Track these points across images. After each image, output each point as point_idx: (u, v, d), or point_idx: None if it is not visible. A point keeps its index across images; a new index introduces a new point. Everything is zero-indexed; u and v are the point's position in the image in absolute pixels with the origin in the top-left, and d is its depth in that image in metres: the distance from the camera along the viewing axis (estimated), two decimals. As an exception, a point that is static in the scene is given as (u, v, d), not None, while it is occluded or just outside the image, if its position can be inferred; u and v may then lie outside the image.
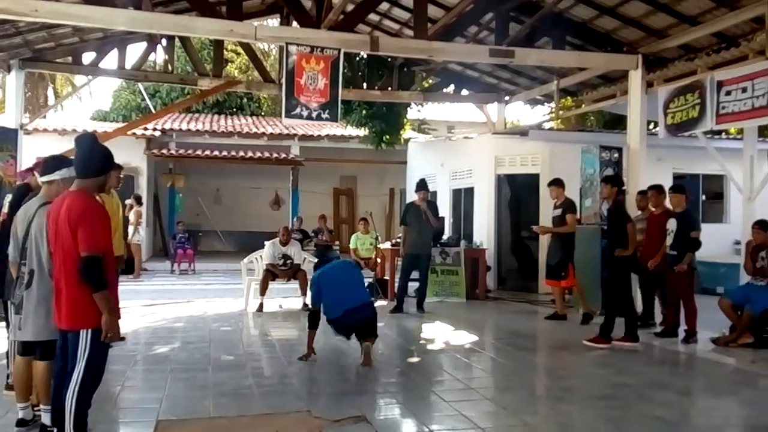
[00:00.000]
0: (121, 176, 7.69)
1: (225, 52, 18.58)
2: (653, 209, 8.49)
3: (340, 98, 8.88)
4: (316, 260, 7.41)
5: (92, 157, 3.83)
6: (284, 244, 9.99)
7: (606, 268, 7.89)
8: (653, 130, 11.27)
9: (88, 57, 12.23)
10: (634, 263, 7.70)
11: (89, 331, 3.68)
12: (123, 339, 7.23)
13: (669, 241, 7.76)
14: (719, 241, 12.33)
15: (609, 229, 7.76)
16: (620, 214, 7.68)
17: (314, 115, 8.64)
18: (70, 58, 12.23)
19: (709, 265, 11.25)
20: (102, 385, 4.10)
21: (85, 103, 33.39)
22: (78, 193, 3.76)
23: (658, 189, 8.48)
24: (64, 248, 3.69)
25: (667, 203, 8.19)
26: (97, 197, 4.02)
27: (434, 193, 14.00)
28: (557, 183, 9.40)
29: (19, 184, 5.69)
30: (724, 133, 13.43)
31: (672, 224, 7.76)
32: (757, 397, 5.68)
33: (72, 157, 4.07)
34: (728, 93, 8.18)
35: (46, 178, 4.28)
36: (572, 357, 7.10)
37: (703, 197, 14.19)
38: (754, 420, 5.05)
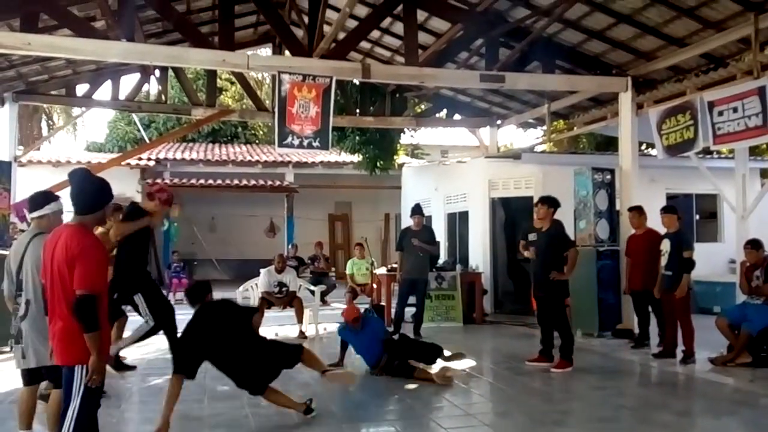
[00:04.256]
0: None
1: (219, 82, 18.73)
2: (634, 231, 8.57)
3: (330, 126, 8.92)
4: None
5: (87, 193, 3.70)
6: (279, 271, 9.96)
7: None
8: (645, 151, 11.33)
9: (81, 89, 12.32)
10: (568, 288, 7.60)
11: (84, 366, 3.54)
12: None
13: (663, 261, 7.77)
14: (714, 261, 12.36)
15: (546, 250, 7.54)
16: (564, 238, 7.65)
17: (305, 143, 8.68)
18: (63, 90, 12.33)
19: (704, 284, 11.27)
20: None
21: (79, 135, 33.42)
22: (76, 228, 3.61)
23: (639, 210, 8.56)
24: (62, 284, 3.53)
25: (655, 224, 8.25)
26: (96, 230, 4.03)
27: (429, 218, 14.02)
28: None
29: None
30: (715, 153, 13.49)
31: (665, 245, 7.76)
32: (757, 417, 5.64)
33: (56, 193, 4.17)
34: (720, 113, 8.22)
35: (36, 214, 4.41)
36: (570, 379, 7.05)
37: (697, 217, 14.22)
38: (754, 440, 5.02)
